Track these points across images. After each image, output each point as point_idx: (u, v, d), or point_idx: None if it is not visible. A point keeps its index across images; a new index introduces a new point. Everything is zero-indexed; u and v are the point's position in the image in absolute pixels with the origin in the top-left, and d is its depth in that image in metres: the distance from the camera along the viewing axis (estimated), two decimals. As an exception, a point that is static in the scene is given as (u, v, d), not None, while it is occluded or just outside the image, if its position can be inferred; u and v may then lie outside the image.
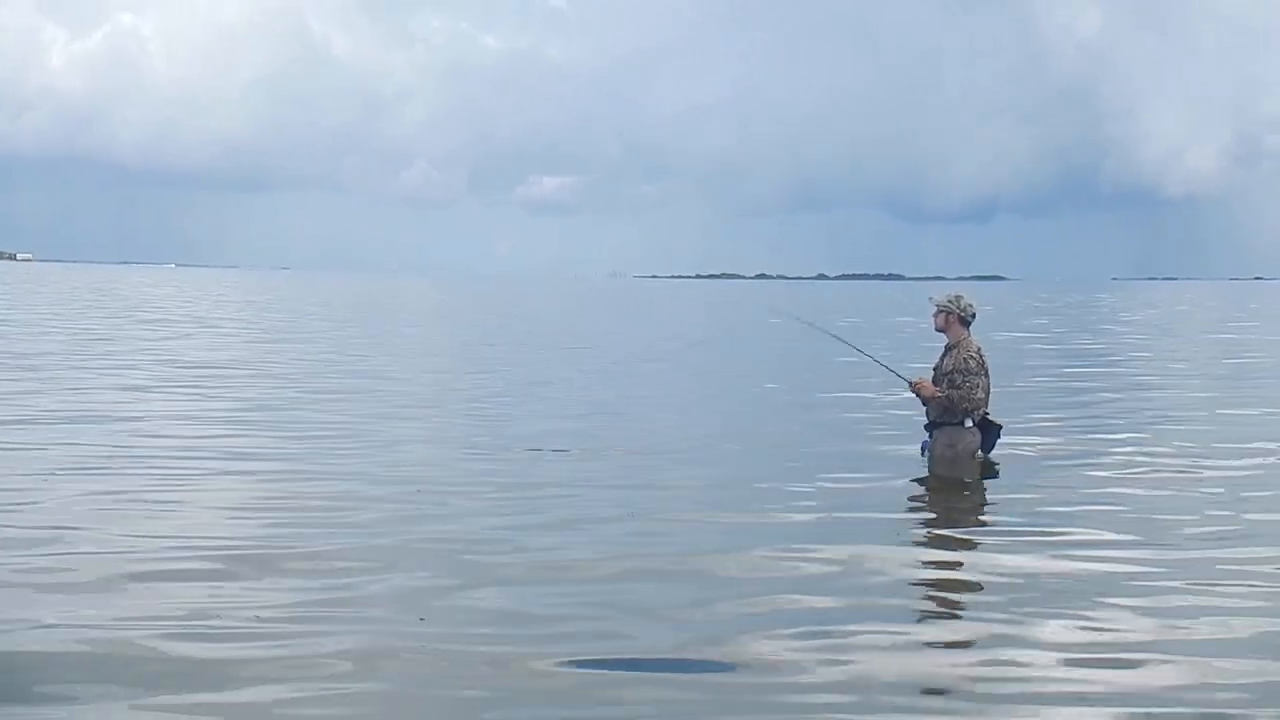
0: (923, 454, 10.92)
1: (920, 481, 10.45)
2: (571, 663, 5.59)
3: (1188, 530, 8.50)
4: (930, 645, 5.99)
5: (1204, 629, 6.17)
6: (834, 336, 12.72)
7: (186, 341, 28.78)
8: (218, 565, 7.19)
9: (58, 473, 10.10)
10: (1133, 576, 7.20)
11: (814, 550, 7.74)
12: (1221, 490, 10.01)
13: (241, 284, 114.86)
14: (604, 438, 13.22)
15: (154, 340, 28.68)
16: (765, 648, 5.82)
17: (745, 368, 24.73)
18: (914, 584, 7.24)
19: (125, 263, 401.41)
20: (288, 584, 6.83)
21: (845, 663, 5.62)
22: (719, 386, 20.94)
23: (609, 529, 8.45)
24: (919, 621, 6.42)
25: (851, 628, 6.14)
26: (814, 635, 6.01)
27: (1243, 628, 6.18)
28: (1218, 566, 7.45)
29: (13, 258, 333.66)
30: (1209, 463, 11.43)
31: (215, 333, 33.92)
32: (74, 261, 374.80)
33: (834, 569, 7.35)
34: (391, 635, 5.96)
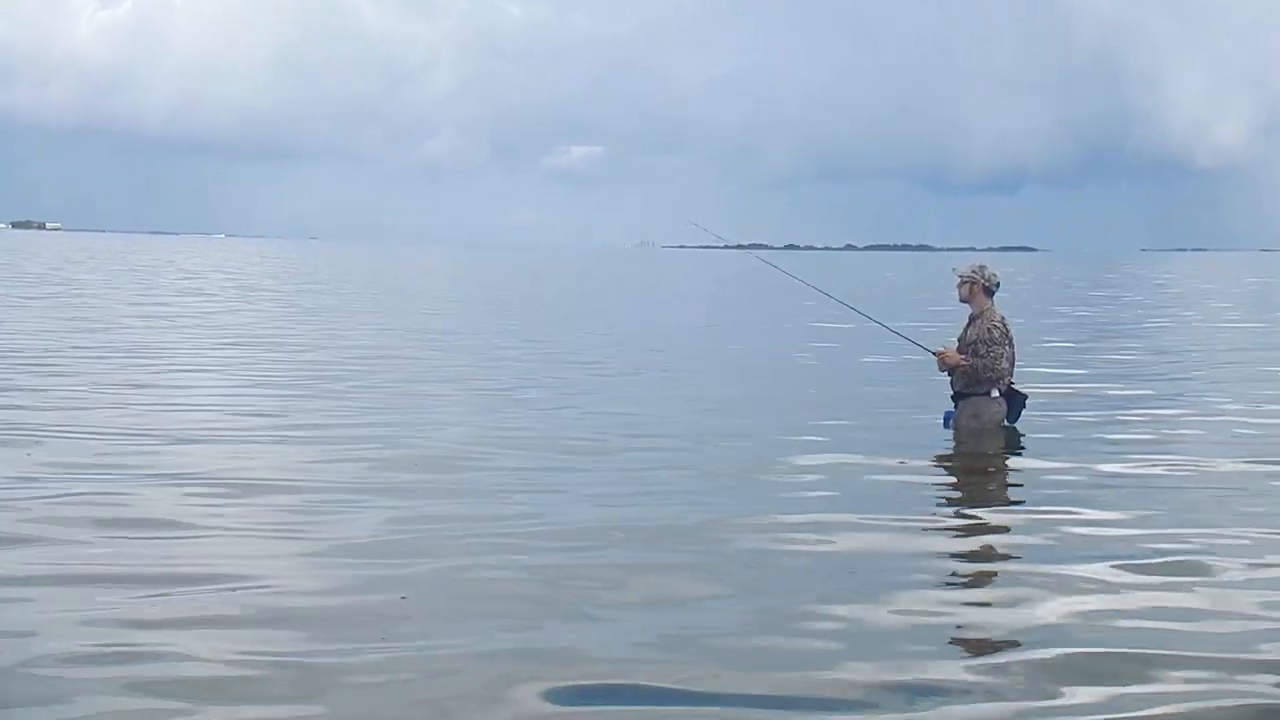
0: (946, 425, 10.84)
1: (946, 453, 10.37)
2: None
3: (1215, 503, 8.39)
4: (959, 625, 5.90)
5: (1225, 601, 6.09)
6: (861, 313, 12.59)
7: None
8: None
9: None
10: (1159, 550, 7.11)
11: (836, 526, 7.67)
12: (1254, 465, 9.90)
13: (312, 255, 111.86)
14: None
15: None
16: (789, 635, 5.76)
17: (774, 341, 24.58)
18: (939, 559, 7.14)
19: (154, 232, 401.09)
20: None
21: (874, 647, 5.56)
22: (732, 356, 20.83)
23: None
24: (946, 600, 6.32)
25: (877, 607, 6.08)
26: (838, 617, 5.93)
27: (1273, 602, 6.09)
28: (1244, 539, 7.35)
29: (41, 227, 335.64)
30: (1241, 436, 11.31)
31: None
32: (101, 231, 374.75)
33: (858, 545, 7.28)
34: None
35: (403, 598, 6.01)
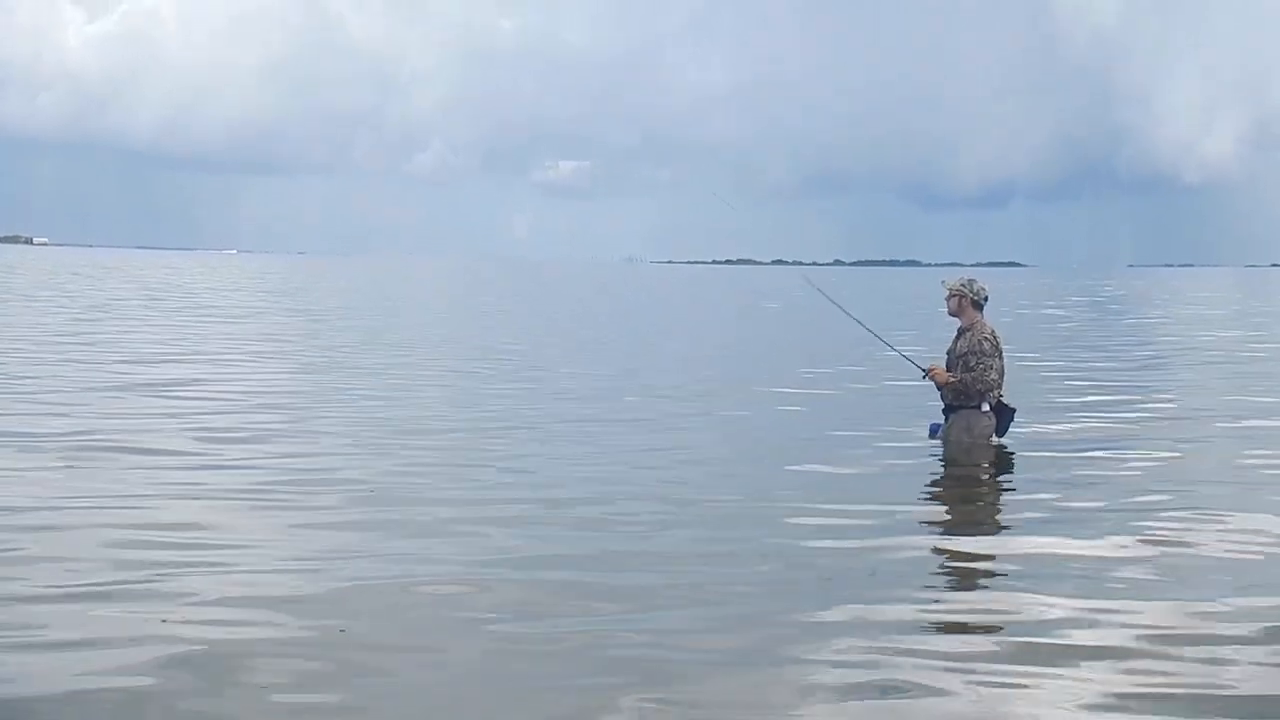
0: (931, 436, 10.87)
1: (936, 467, 10.37)
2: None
3: (1205, 518, 8.35)
4: (952, 631, 5.89)
5: (1217, 610, 6.07)
6: (857, 320, 12.55)
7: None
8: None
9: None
10: (1148, 564, 7.11)
11: (828, 543, 7.65)
12: (1235, 473, 9.90)
13: (333, 271, 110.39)
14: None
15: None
16: (776, 634, 5.73)
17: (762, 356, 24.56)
18: (933, 573, 7.14)
19: (142, 247, 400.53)
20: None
21: (866, 652, 5.53)
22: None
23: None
24: (939, 612, 6.31)
25: (869, 619, 6.06)
26: (830, 634, 5.89)
27: (1254, 611, 6.06)
28: (1229, 546, 7.37)
29: (29, 241, 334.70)
30: (1231, 451, 11.32)
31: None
32: (89, 246, 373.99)
33: (851, 561, 7.26)
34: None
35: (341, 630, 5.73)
